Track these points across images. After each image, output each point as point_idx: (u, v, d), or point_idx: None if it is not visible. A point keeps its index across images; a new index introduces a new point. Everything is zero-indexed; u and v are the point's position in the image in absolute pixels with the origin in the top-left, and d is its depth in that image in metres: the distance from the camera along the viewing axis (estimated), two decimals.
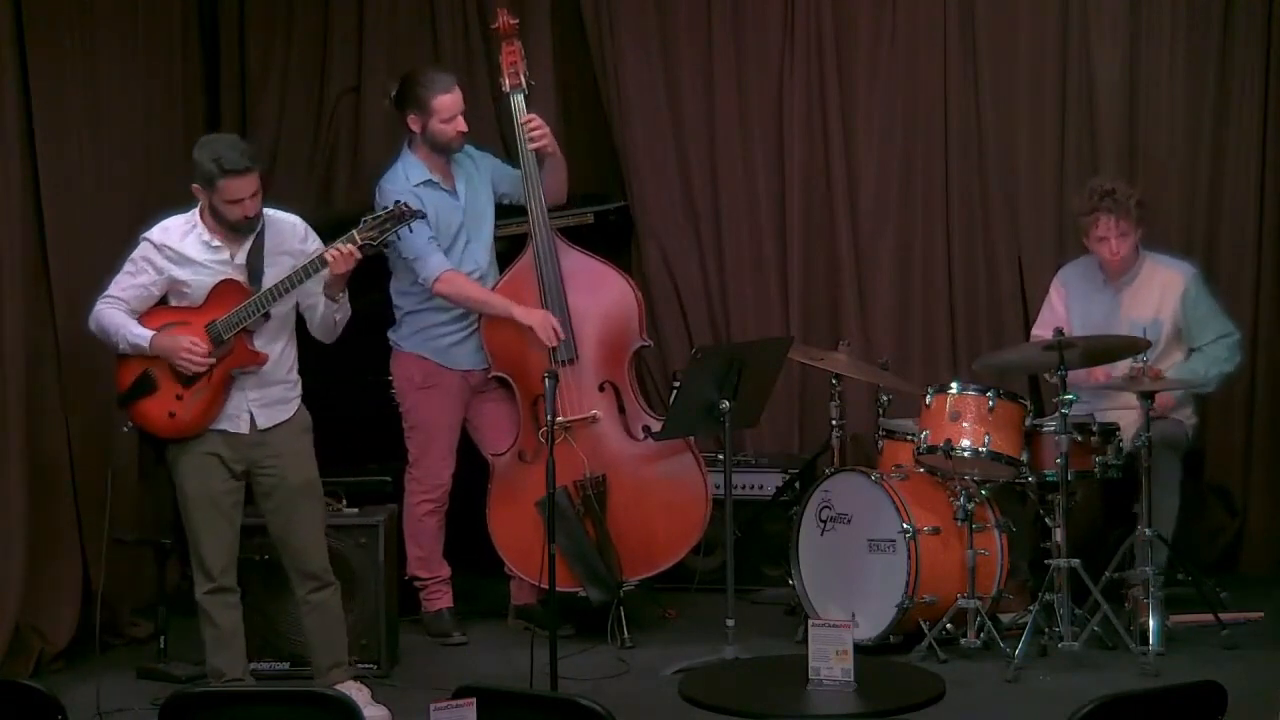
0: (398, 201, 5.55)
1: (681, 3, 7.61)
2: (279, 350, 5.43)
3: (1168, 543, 6.07)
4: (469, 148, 6.44)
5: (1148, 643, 5.77)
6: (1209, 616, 6.04)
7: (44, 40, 6.12)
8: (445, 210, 6.27)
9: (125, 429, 5.49)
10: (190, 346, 5.30)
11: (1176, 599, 6.10)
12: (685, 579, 6.79)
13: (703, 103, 7.60)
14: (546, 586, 5.50)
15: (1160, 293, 6.38)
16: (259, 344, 5.37)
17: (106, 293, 5.42)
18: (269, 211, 5.43)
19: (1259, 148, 7.12)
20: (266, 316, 5.34)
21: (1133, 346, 6.03)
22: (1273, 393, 7.17)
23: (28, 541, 5.94)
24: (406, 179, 6.30)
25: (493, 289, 6.38)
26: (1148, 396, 5.91)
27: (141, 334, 5.35)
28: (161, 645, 5.99)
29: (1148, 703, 3.83)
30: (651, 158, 7.64)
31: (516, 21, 6.51)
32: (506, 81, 6.43)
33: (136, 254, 5.42)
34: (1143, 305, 6.37)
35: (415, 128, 6.33)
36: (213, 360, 5.31)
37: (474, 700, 3.77)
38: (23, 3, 6.01)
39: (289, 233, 5.45)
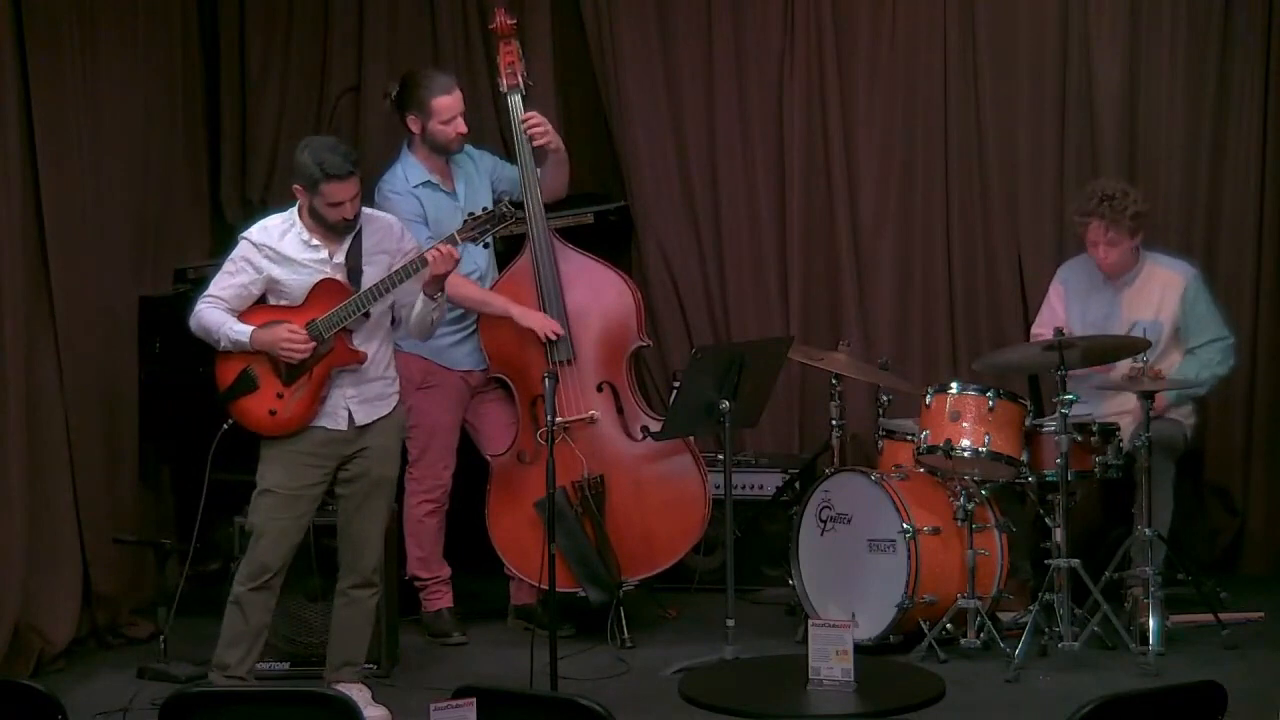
0: (498, 201, 5.64)
1: (681, 3, 7.61)
2: (376, 348, 5.46)
3: (1167, 542, 6.07)
4: (468, 147, 6.44)
5: (1148, 643, 5.76)
6: (1209, 616, 6.04)
7: (44, 41, 6.12)
8: (445, 211, 6.27)
9: (225, 426, 5.50)
10: (289, 335, 5.32)
11: (1176, 599, 6.10)
12: (685, 579, 6.80)
13: (703, 103, 7.60)
14: (546, 587, 5.50)
15: (1160, 293, 6.38)
16: (357, 342, 5.41)
17: (206, 292, 5.46)
18: (366, 210, 5.48)
19: (1259, 148, 7.12)
20: (366, 315, 5.38)
21: (1133, 346, 6.03)
22: (1272, 393, 7.17)
23: (28, 541, 5.94)
24: (406, 180, 6.30)
25: (492, 288, 6.38)
26: (1147, 396, 5.92)
27: (241, 330, 5.38)
28: (161, 645, 5.99)
29: (1148, 703, 3.83)
30: (651, 158, 7.64)
31: (514, 22, 6.51)
32: (504, 82, 6.43)
33: (236, 253, 5.45)
34: (1143, 305, 6.37)
35: (415, 129, 6.33)
36: (313, 348, 5.34)
37: (474, 700, 3.77)
38: (23, 3, 6.01)
39: (386, 232, 5.50)
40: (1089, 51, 7.24)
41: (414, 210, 6.20)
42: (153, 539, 6.32)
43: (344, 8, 7.66)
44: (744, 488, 6.97)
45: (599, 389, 6.36)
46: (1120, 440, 6.14)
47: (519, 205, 6.42)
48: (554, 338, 6.24)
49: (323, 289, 5.38)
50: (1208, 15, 7.14)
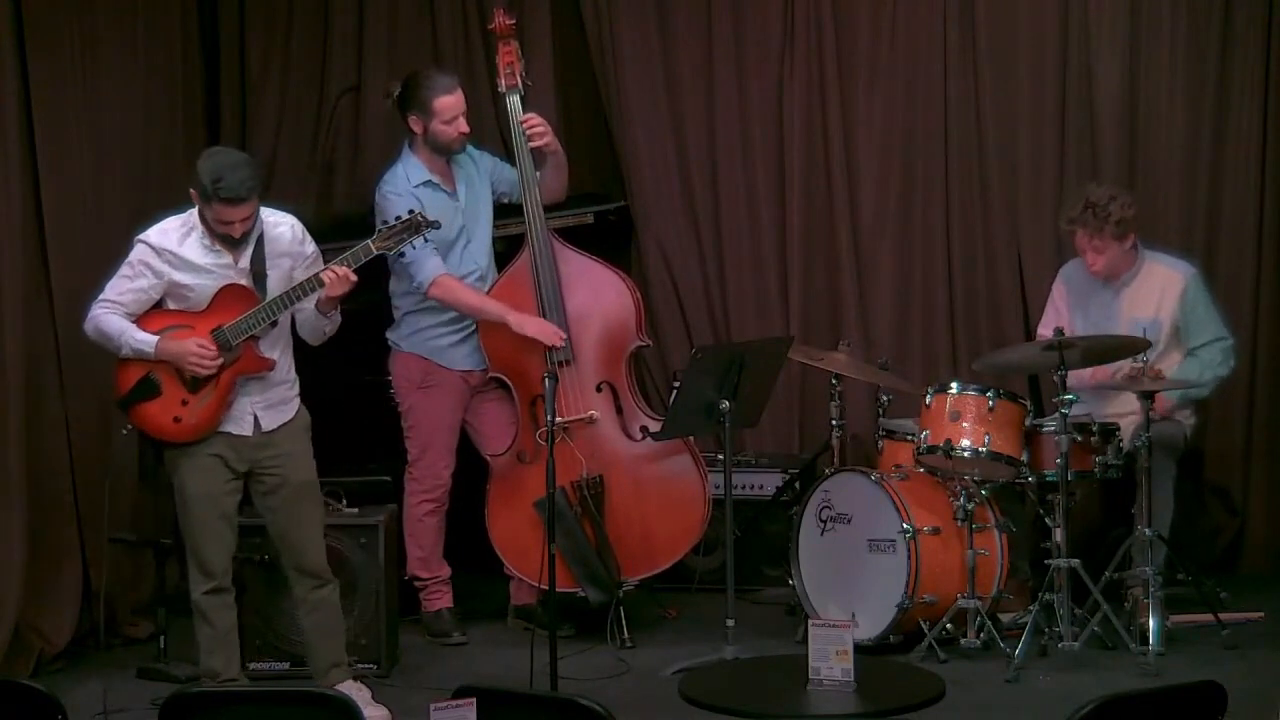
0: (412, 211, 5.53)
1: (681, 3, 7.61)
2: (280, 354, 5.43)
3: (1167, 542, 6.07)
4: (470, 148, 6.44)
5: (1148, 643, 5.76)
6: (1209, 616, 6.04)
7: (44, 41, 6.12)
8: (445, 212, 6.26)
9: (124, 431, 5.48)
10: (199, 350, 5.27)
11: (1176, 599, 6.10)
12: (685, 579, 6.80)
13: (703, 103, 7.60)
14: (546, 587, 5.50)
15: (1160, 292, 6.38)
16: (263, 348, 5.37)
17: (102, 296, 5.37)
18: (265, 214, 5.40)
19: (1259, 148, 7.12)
20: (274, 324, 5.35)
21: (1133, 346, 6.03)
22: (1272, 393, 7.17)
23: (28, 541, 5.94)
24: (407, 179, 6.30)
25: (490, 289, 6.38)
26: (1148, 396, 5.92)
27: (145, 339, 5.31)
28: (161, 645, 5.99)
29: (1148, 703, 3.83)
30: (651, 158, 7.64)
31: (513, 22, 6.51)
32: (503, 82, 6.43)
33: (133, 257, 5.36)
34: (1143, 304, 6.37)
35: (417, 129, 6.33)
36: (221, 363, 5.30)
37: (474, 700, 3.77)
38: (23, 3, 6.01)
39: (287, 236, 5.44)
40: (1089, 51, 7.24)
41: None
42: (153, 539, 6.32)
43: (344, 8, 7.67)
44: (744, 488, 6.97)
45: (598, 389, 6.36)
46: (1120, 440, 6.14)
47: (518, 208, 6.44)
48: (559, 344, 6.23)
49: (227, 295, 5.30)
50: (1208, 15, 7.14)
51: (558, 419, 5.75)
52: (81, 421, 6.30)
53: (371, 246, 5.39)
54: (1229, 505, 7.24)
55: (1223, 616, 6.03)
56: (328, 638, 5.53)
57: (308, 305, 5.40)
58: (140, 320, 5.36)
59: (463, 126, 6.32)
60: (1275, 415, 7.18)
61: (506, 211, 6.57)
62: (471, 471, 6.47)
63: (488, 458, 6.43)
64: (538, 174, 6.39)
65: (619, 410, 6.37)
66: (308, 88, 7.68)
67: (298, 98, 7.67)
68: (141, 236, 5.39)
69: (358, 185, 7.49)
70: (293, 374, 5.51)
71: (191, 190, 5.29)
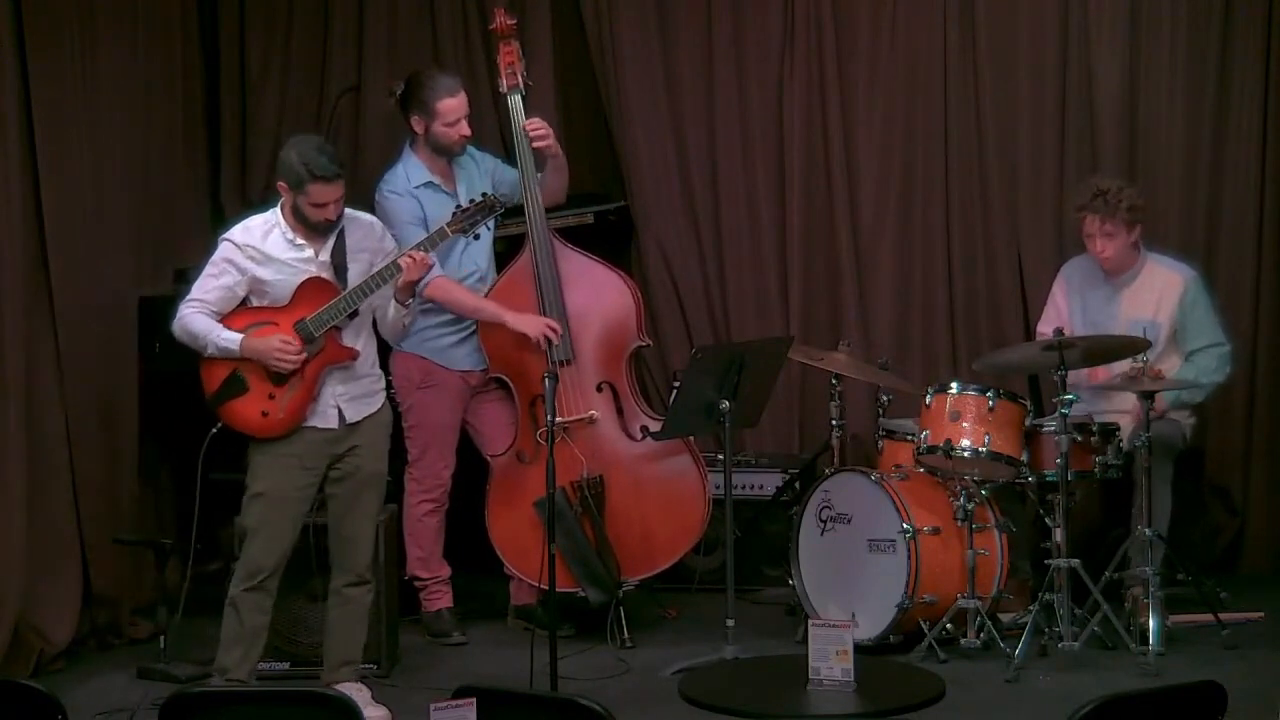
0: (485, 194, 5.64)
1: (681, 3, 7.61)
2: (363, 345, 5.46)
3: (1166, 542, 6.07)
4: (470, 148, 6.44)
5: (1148, 643, 5.77)
6: (1209, 616, 6.04)
7: (44, 40, 6.12)
8: (445, 212, 6.26)
9: (215, 430, 5.49)
10: (282, 345, 5.31)
11: (1176, 599, 6.10)
12: (685, 579, 6.80)
13: (703, 103, 7.60)
14: (546, 587, 5.50)
15: (1159, 293, 6.38)
16: (345, 339, 5.41)
17: (189, 296, 5.42)
18: (348, 210, 5.47)
19: (1259, 148, 7.12)
20: (354, 314, 5.38)
21: (1133, 347, 6.03)
22: (1272, 394, 7.17)
23: (28, 541, 5.94)
24: (407, 180, 6.31)
25: (490, 290, 6.38)
26: (1147, 397, 5.92)
27: (230, 338, 5.34)
28: (161, 645, 5.99)
29: (1148, 703, 3.83)
30: (651, 158, 7.64)
31: (514, 22, 6.51)
32: (504, 82, 6.43)
33: (218, 255, 5.41)
34: (1142, 305, 6.37)
35: (418, 129, 6.33)
36: (305, 357, 5.33)
37: (474, 700, 3.77)
38: (23, 3, 6.01)
39: (368, 231, 5.51)
40: (1089, 51, 7.24)
41: (413, 213, 6.20)
42: (153, 539, 6.32)
43: (344, 8, 7.67)
44: (744, 488, 6.98)
45: (599, 389, 6.36)
46: (1120, 440, 6.14)
47: (518, 208, 6.44)
48: (553, 337, 6.24)
49: (309, 288, 5.36)
50: (1208, 15, 7.14)
51: (558, 419, 5.75)
52: (81, 422, 6.29)
53: (447, 230, 5.49)
54: (1229, 505, 7.24)
55: (1223, 616, 6.03)
56: (348, 636, 5.55)
57: (386, 303, 5.45)
58: (225, 319, 5.39)
59: (464, 129, 6.32)
60: (1275, 415, 7.18)
61: (507, 211, 6.52)
62: (471, 471, 6.47)
63: (488, 458, 6.43)
64: (539, 175, 6.40)
65: (619, 410, 6.37)
66: (308, 88, 7.68)
67: (298, 98, 7.66)
68: (226, 235, 5.44)
69: (358, 185, 7.43)
70: (377, 369, 5.56)
71: (280, 184, 5.35)
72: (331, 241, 5.41)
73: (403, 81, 6.40)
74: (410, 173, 6.33)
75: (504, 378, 6.38)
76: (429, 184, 6.31)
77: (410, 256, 5.39)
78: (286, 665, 5.89)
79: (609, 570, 6.27)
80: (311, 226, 5.36)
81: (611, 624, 6.24)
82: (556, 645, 5.40)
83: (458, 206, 5.60)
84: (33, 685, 4.06)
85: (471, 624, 6.51)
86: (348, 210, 5.48)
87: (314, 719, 3.84)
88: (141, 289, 6.68)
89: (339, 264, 5.40)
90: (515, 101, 6.41)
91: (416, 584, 6.46)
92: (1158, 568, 5.91)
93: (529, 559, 6.00)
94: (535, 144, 6.33)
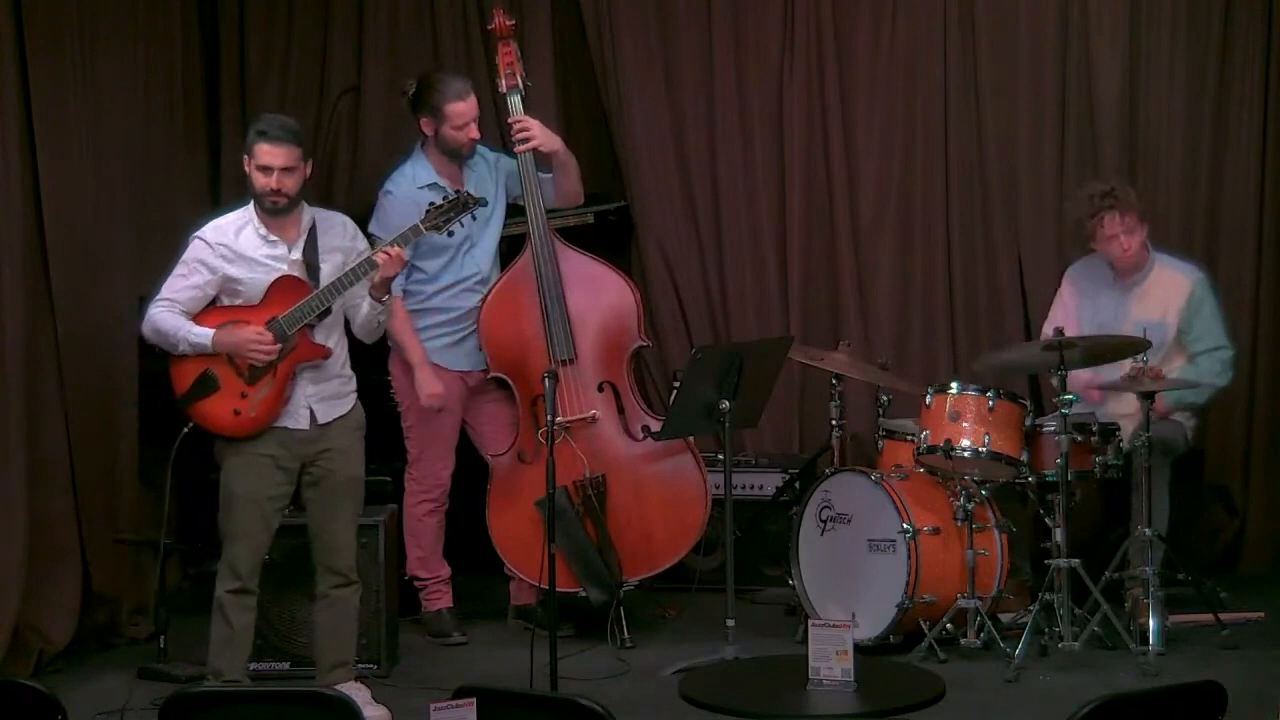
0: (459, 191, 5.62)
1: (681, 3, 7.61)
2: (334, 344, 5.45)
3: (1166, 542, 6.07)
4: (485, 150, 6.43)
5: (1148, 643, 5.77)
6: (1209, 616, 6.04)
7: (44, 41, 6.12)
8: None
9: (185, 430, 5.48)
10: (257, 337, 5.29)
11: (1176, 599, 6.10)
12: (685, 579, 6.79)
13: (703, 103, 7.60)
14: (546, 586, 5.50)
15: (1167, 294, 6.37)
16: (318, 338, 5.40)
17: (158, 295, 5.39)
18: (318, 210, 5.46)
19: (1259, 148, 7.13)
20: (327, 312, 5.37)
21: (1133, 347, 6.02)
22: (1272, 394, 7.17)
23: (28, 541, 5.94)
24: (412, 180, 6.30)
25: (491, 289, 6.37)
26: (1148, 397, 5.92)
27: (202, 333, 5.32)
28: (161, 645, 5.99)
29: (1148, 703, 3.83)
30: (651, 158, 7.64)
31: (513, 23, 6.50)
32: (503, 83, 6.43)
33: (188, 255, 5.39)
34: (1150, 306, 6.37)
35: (428, 131, 6.32)
36: (279, 352, 5.32)
37: (474, 700, 3.77)
38: (23, 3, 6.01)
39: (339, 229, 5.49)
40: (1089, 52, 7.25)
41: (405, 217, 6.16)
42: (153, 539, 6.32)
43: (344, 8, 7.68)
44: (744, 488, 6.98)
45: (599, 389, 6.36)
46: (1120, 440, 6.14)
47: (520, 208, 6.43)
48: (434, 405, 6.21)
49: (281, 286, 5.33)
50: (1208, 15, 7.15)
51: (559, 419, 5.75)
52: (82, 421, 6.29)
53: (421, 227, 5.46)
54: (1229, 505, 7.25)
55: (1223, 616, 6.03)
56: (339, 637, 5.53)
57: (361, 301, 5.43)
58: (196, 319, 5.37)
59: (473, 132, 6.31)
60: (1275, 415, 7.18)
61: (508, 211, 6.56)
62: (471, 471, 6.47)
63: (488, 458, 6.43)
64: (545, 176, 6.38)
65: (620, 410, 6.37)
66: (308, 88, 7.68)
67: (298, 98, 7.67)
68: (197, 234, 5.42)
69: (358, 185, 7.50)
70: (348, 369, 5.53)
71: (244, 157, 5.32)
72: (303, 240, 5.38)
73: (414, 81, 6.39)
74: (417, 173, 6.32)
75: (504, 378, 6.38)
76: (434, 185, 6.30)
77: (385, 253, 5.34)
78: (286, 665, 5.89)
79: (611, 570, 6.26)
80: (259, 197, 5.31)
81: (611, 624, 6.24)
82: (556, 645, 5.40)
83: (431, 203, 5.56)
84: (33, 685, 4.06)
85: (471, 624, 6.51)
86: (319, 209, 5.46)
87: (314, 719, 3.84)
88: (141, 289, 6.67)
89: (311, 262, 5.38)
90: (514, 102, 6.40)
91: (416, 584, 6.46)
92: (1158, 568, 5.91)
93: (530, 559, 5.99)
94: (518, 147, 6.31)
